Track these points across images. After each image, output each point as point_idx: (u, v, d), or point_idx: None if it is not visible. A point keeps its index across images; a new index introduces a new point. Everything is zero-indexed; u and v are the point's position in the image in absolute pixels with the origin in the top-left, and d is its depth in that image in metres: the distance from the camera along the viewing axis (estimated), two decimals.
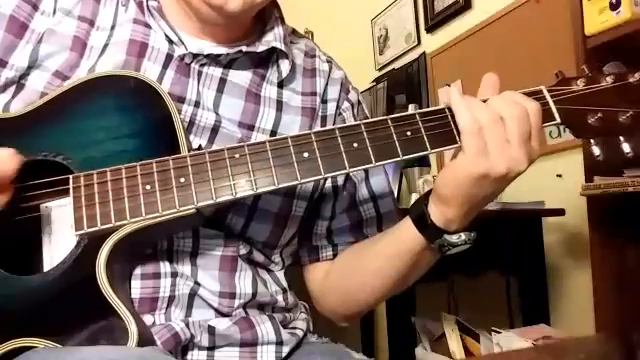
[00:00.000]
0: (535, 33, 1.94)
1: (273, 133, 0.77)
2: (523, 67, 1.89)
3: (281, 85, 0.80)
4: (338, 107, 0.84)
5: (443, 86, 2.43)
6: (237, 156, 0.63)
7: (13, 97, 0.70)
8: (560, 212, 1.75)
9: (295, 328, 0.79)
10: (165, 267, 0.68)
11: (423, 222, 0.67)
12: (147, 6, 0.74)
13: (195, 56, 0.74)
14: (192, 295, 0.69)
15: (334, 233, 0.83)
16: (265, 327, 0.72)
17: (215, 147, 0.68)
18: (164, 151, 0.64)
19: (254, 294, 0.73)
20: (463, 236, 0.67)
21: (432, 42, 2.55)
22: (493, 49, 2.14)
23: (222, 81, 0.75)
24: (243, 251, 0.73)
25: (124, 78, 0.67)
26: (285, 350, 0.74)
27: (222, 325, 0.69)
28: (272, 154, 0.63)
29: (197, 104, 0.73)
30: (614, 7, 1.32)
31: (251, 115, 0.76)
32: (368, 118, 0.77)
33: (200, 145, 0.71)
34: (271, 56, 0.80)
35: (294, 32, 0.88)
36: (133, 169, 0.62)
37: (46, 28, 0.72)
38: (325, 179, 0.81)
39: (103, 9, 0.75)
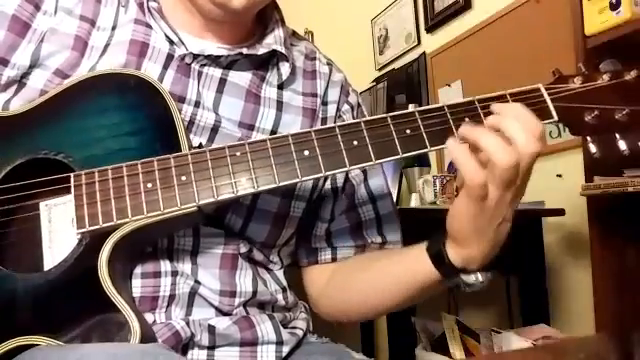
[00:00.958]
0: (535, 33, 1.94)
1: (273, 133, 0.77)
2: (523, 67, 1.89)
3: (281, 87, 0.80)
4: (338, 109, 0.84)
5: (443, 86, 2.43)
6: (238, 154, 0.63)
7: (14, 95, 0.70)
8: (560, 212, 1.75)
9: (295, 328, 0.79)
10: (165, 266, 0.68)
11: (440, 260, 0.67)
12: (147, 7, 0.74)
13: (196, 56, 0.74)
14: (192, 294, 0.69)
15: (333, 235, 0.83)
16: (265, 327, 0.72)
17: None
18: (165, 149, 0.64)
19: (254, 292, 0.73)
20: (480, 277, 0.66)
21: (432, 42, 2.55)
22: (493, 49, 2.14)
23: (222, 81, 0.76)
24: (243, 249, 0.73)
25: (125, 76, 0.68)
26: (285, 350, 0.74)
27: (222, 324, 0.69)
28: (273, 152, 0.63)
29: (197, 104, 0.73)
30: (614, 7, 1.32)
31: (251, 115, 0.76)
32: None
33: (200, 143, 0.71)
34: (271, 58, 0.80)
35: (294, 34, 0.88)
36: (134, 167, 0.62)
37: (48, 27, 0.72)
38: (325, 180, 0.81)
39: (104, 9, 0.75)
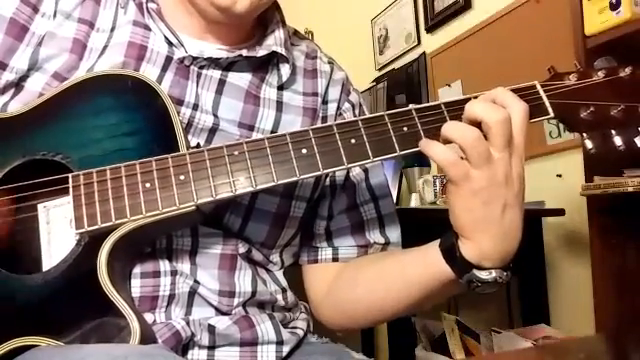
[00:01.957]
0: (535, 33, 1.94)
1: (273, 133, 0.77)
2: (523, 67, 1.89)
3: (281, 88, 0.80)
4: (339, 108, 0.84)
5: (443, 86, 2.43)
6: (236, 153, 0.63)
7: (11, 98, 0.70)
8: (560, 212, 1.75)
9: (295, 328, 0.79)
10: (165, 265, 0.68)
11: (452, 255, 0.64)
12: (146, 8, 0.74)
13: (195, 58, 0.74)
14: (192, 293, 0.69)
15: (334, 235, 0.82)
16: (265, 326, 0.72)
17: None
18: (163, 149, 0.64)
19: (254, 292, 0.73)
20: (494, 273, 0.63)
21: (432, 42, 2.55)
22: (493, 49, 2.14)
23: (221, 82, 0.75)
24: (242, 250, 0.73)
25: (122, 77, 0.67)
26: (285, 350, 0.73)
27: (222, 324, 0.69)
28: (271, 151, 0.63)
29: (195, 107, 0.73)
30: (614, 7, 1.32)
31: (250, 116, 0.76)
32: None
33: (198, 143, 0.71)
34: (271, 59, 0.79)
35: (296, 33, 0.88)
36: (132, 167, 0.62)
37: (46, 31, 0.72)
38: (325, 178, 0.81)
39: (103, 11, 0.75)
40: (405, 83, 2.70)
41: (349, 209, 0.82)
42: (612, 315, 1.41)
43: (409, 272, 0.70)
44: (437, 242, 0.67)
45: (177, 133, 0.65)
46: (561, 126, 0.67)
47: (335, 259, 0.82)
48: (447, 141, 0.62)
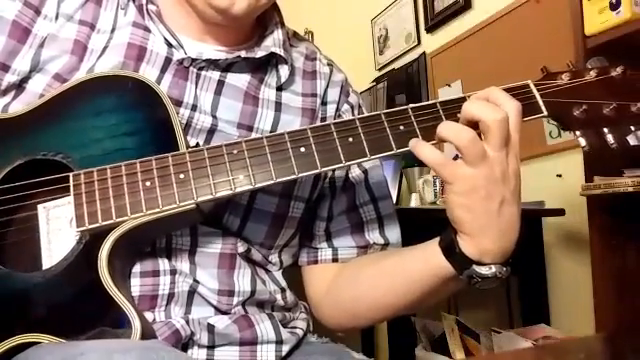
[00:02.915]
0: (535, 33, 1.94)
1: None
2: (523, 67, 1.88)
3: (280, 89, 0.80)
4: (338, 109, 0.84)
5: (443, 86, 2.43)
6: (235, 152, 0.63)
7: (13, 99, 0.71)
8: (560, 212, 1.75)
9: (295, 327, 0.79)
10: (164, 265, 0.68)
11: (451, 250, 0.64)
12: (146, 9, 0.74)
13: (194, 60, 0.74)
14: (191, 292, 0.69)
15: (333, 236, 0.82)
16: (265, 326, 0.72)
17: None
18: (162, 149, 0.64)
19: (253, 292, 0.73)
20: (494, 268, 0.63)
21: (432, 42, 2.56)
22: (493, 49, 2.14)
23: (220, 83, 0.76)
24: (241, 249, 0.73)
25: (122, 78, 0.68)
26: (285, 349, 0.73)
27: (221, 324, 0.69)
28: (269, 149, 0.63)
29: (194, 107, 0.73)
30: (614, 7, 1.32)
31: (249, 116, 0.76)
32: None
33: (197, 144, 0.72)
34: (270, 60, 0.80)
35: (295, 35, 0.88)
36: (133, 166, 0.62)
37: (48, 33, 0.72)
38: (323, 179, 0.81)
39: (104, 12, 0.75)
40: (405, 83, 2.70)
41: (349, 210, 0.83)
42: (612, 315, 1.41)
43: (410, 269, 0.71)
44: (437, 239, 0.67)
45: (177, 133, 0.65)
46: (547, 118, 0.68)
47: (335, 260, 0.82)
48: (443, 141, 0.62)
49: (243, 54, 0.76)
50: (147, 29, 0.75)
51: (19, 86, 0.71)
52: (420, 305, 0.75)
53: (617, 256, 1.43)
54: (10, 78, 0.70)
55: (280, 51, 0.78)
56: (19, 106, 0.70)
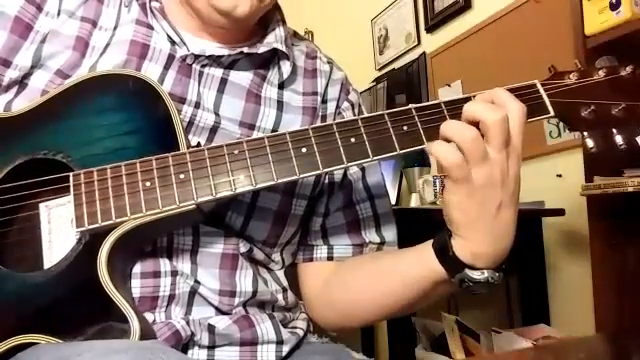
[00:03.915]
0: (535, 33, 1.94)
1: (274, 132, 0.77)
2: (523, 67, 1.89)
3: (282, 86, 0.80)
4: (338, 107, 0.84)
5: (443, 86, 2.43)
6: (236, 152, 0.63)
7: (15, 96, 0.71)
8: (560, 212, 1.75)
9: (295, 327, 0.79)
10: (165, 265, 0.68)
11: (445, 253, 0.64)
12: (150, 7, 0.74)
13: (197, 57, 0.74)
14: (192, 293, 0.69)
15: (329, 233, 0.82)
16: (265, 326, 0.72)
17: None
18: (163, 149, 0.64)
19: (254, 292, 0.73)
20: (487, 273, 0.63)
21: (432, 42, 2.55)
22: (493, 49, 2.14)
23: (223, 81, 0.76)
24: (243, 249, 0.73)
25: (123, 77, 0.68)
26: (285, 349, 0.73)
27: (222, 324, 0.69)
28: (270, 150, 0.63)
29: (197, 105, 0.73)
30: (614, 7, 1.32)
31: (252, 115, 0.76)
32: None
33: (199, 142, 0.72)
34: (272, 57, 0.80)
35: (295, 34, 0.89)
36: (133, 166, 0.62)
37: (50, 29, 0.72)
38: (325, 176, 0.81)
39: (106, 9, 0.76)
40: (405, 83, 2.70)
41: (345, 207, 0.82)
42: (612, 315, 1.41)
43: (403, 271, 0.71)
44: (430, 241, 0.67)
45: (178, 132, 0.65)
46: (561, 126, 0.67)
47: (330, 258, 0.82)
48: (446, 140, 0.62)
49: (246, 50, 0.76)
50: (150, 27, 0.75)
51: (21, 82, 0.71)
52: (412, 308, 0.75)
53: (617, 256, 1.43)
54: (12, 74, 0.70)
55: (282, 47, 0.78)
56: (21, 102, 0.70)
